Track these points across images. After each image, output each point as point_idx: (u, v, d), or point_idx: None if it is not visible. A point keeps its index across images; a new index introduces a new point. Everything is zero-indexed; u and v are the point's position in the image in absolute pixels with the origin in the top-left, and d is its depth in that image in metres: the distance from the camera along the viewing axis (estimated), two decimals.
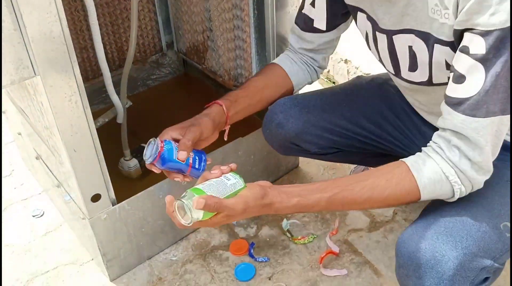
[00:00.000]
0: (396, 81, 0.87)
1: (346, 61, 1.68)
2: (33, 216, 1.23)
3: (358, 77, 1.04)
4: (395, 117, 0.94)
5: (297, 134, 0.95)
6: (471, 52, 0.64)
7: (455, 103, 0.66)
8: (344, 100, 0.98)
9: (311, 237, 1.12)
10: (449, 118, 0.67)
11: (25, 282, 1.06)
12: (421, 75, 0.77)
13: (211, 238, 1.14)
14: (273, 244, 1.12)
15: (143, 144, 1.31)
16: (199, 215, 0.68)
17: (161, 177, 1.08)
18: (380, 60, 0.86)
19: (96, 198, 0.92)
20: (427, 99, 0.84)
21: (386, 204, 0.73)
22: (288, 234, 1.13)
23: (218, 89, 1.47)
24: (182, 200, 0.69)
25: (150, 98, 1.55)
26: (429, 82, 0.77)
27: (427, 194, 0.69)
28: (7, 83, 0.74)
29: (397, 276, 0.73)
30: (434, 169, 0.68)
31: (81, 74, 1.43)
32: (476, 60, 0.63)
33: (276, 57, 1.06)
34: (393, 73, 0.84)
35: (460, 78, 0.65)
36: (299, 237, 1.12)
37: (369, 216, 1.18)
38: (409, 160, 0.71)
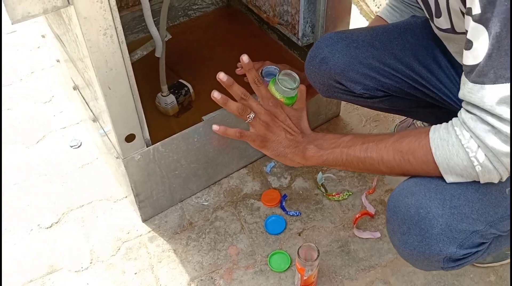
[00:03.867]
0: (433, 28, 0.79)
1: None
2: (71, 146, 1.24)
3: (413, 15, 0.93)
4: (448, 63, 0.85)
5: (342, 71, 0.87)
6: (472, 12, 0.55)
7: (468, 72, 0.58)
8: (396, 38, 0.88)
9: (346, 194, 1.08)
10: (462, 88, 0.60)
11: (60, 215, 1.09)
12: (445, 21, 0.70)
13: (243, 186, 1.12)
14: (305, 198, 1.08)
15: (181, 80, 1.27)
16: (294, 93, 0.72)
17: (196, 118, 1.05)
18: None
19: (130, 138, 0.90)
20: (459, 49, 0.74)
21: (401, 168, 0.65)
22: (322, 188, 1.09)
23: (261, 25, 1.37)
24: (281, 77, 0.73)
25: (190, 29, 1.47)
26: (453, 30, 0.70)
27: (441, 159, 0.61)
28: (39, 11, 0.69)
29: (387, 232, 0.70)
30: (448, 129, 0.61)
31: (121, 1, 1.37)
32: (476, 21, 0.55)
33: None
34: (428, 17, 0.76)
35: (468, 43, 0.57)
36: (333, 193, 1.08)
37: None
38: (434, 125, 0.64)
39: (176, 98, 1.20)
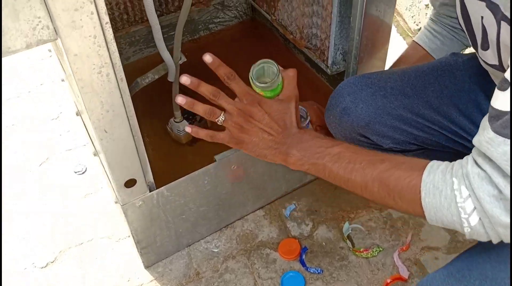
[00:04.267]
0: (479, 60, 0.65)
1: None
2: (75, 172, 1.14)
3: (453, 53, 0.79)
4: None
5: (367, 124, 0.74)
6: None
7: (493, 116, 0.47)
8: (432, 83, 0.75)
9: (376, 251, 0.94)
10: (480, 133, 0.49)
11: (58, 253, 0.99)
12: (493, 56, 0.59)
13: (259, 231, 0.99)
14: (329, 252, 0.95)
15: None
16: (274, 85, 0.62)
17: (211, 148, 0.94)
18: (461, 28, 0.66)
19: (130, 183, 0.79)
20: None
21: (384, 202, 0.56)
22: (348, 241, 0.96)
23: (287, 43, 1.24)
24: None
25: (210, 44, 1.35)
26: (501, 67, 0.59)
27: (429, 207, 0.51)
28: (21, 46, 0.58)
29: None
30: (445, 177, 0.50)
31: (135, 15, 1.26)
32: None
33: (365, 18, 0.84)
34: (472, 47, 0.64)
35: (504, 83, 0.47)
36: (361, 249, 0.94)
37: (450, 232, 0.97)
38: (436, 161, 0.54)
39: (190, 124, 1.09)
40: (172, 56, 0.98)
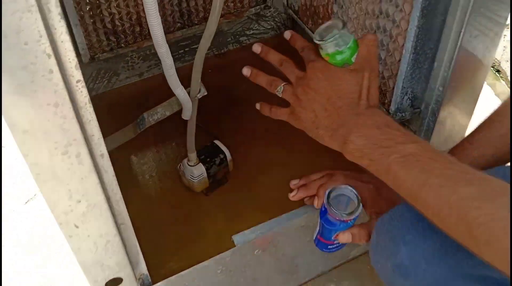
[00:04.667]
0: None
1: None
2: None
3: None
4: None
5: None
6: None
7: None
8: None
9: None
10: None
11: None
12: None
13: None
14: None
15: (217, 141, 0.93)
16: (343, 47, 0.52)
17: (230, 200, 0.72)
18: None
19: (115, 282, 0.58)
20: None
21: (460, 239, 0.40)
22: None
23: None
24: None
25: (239, 60, 1.12)
26: None
27: None
28: None
29: None
30: None
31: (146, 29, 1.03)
32: None
33: (456, 60, 0.62)
34: None
35: None
36: None
37: None
38: None
39: (207, 169, 0.87)
40: (189, 92, 0.76)
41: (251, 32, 1.13)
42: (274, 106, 0.61)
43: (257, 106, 0.63)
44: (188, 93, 0.76)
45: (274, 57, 0.60)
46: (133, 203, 0.85)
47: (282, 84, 0.57)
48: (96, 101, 1.03)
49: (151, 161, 0.93)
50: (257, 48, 0.61)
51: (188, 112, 0.78)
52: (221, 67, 1.09)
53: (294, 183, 0.74)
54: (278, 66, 0.59)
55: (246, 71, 0.62)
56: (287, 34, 0.61)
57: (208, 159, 0.87)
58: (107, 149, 0.43)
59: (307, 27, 1.00)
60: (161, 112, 0.80)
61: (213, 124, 0.95)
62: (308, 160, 0.85)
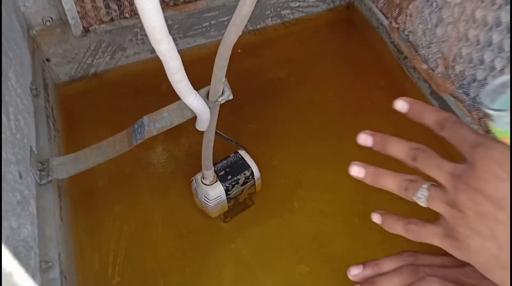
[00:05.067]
0: None
1: None
2: None
3: None
4: None
5: None
6: None
7: None
8: None
9: None
10: None
11: None
12: None
13: None
14: None
15: (241, 151, 0.72)
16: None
17: (253, 232, 0.52)
18: None
19: None
20: None
21: None
22: None
23: (401, 60, 0.75)
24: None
25: (280, 39, 0.88)
26: None
27: None
28: None
29: None
30: None
31: None
32: None
33: None
34: None
35: None
36: None
37: None
38: None
39: (227, 190, 0.65)
40: (207, 94, 0.55)
41: (297, 4, 0.88)
42: (411, 219, 0.38)
43: (375, 217, 0.41)
44: (206, 95, 0.54)
45: (399, 148, 0.37)
46: (129, 224, 0.65)
47: (426, 186, 0.36)
48: (95, 81, 0.79)
49: (155, 168, 0.72)
50: (365, 139, 0.39)
51: (205, 123, 0.56)
52: (255, 46, 0.86)
53: (354, 273, 0.47)
54: (410, 162, 0.37)
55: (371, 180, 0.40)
56: (401, 105, 0.39)
57: (230, 177, 0.66)
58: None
59: (376, 5, 0.74)
60: (167, 118, 0.58)
61: (237, 126, 0.73)
62: (364, 186, 0.63)
